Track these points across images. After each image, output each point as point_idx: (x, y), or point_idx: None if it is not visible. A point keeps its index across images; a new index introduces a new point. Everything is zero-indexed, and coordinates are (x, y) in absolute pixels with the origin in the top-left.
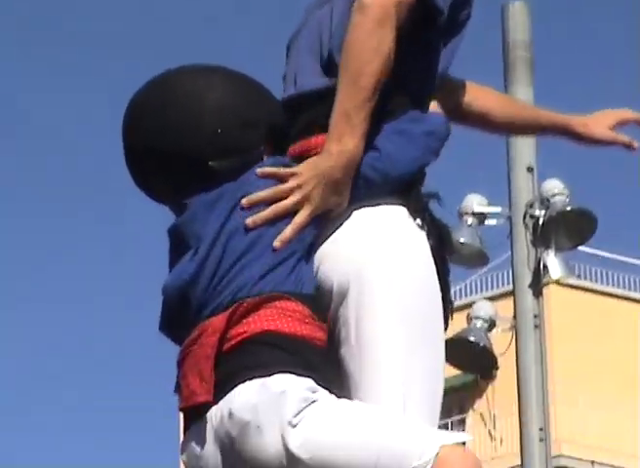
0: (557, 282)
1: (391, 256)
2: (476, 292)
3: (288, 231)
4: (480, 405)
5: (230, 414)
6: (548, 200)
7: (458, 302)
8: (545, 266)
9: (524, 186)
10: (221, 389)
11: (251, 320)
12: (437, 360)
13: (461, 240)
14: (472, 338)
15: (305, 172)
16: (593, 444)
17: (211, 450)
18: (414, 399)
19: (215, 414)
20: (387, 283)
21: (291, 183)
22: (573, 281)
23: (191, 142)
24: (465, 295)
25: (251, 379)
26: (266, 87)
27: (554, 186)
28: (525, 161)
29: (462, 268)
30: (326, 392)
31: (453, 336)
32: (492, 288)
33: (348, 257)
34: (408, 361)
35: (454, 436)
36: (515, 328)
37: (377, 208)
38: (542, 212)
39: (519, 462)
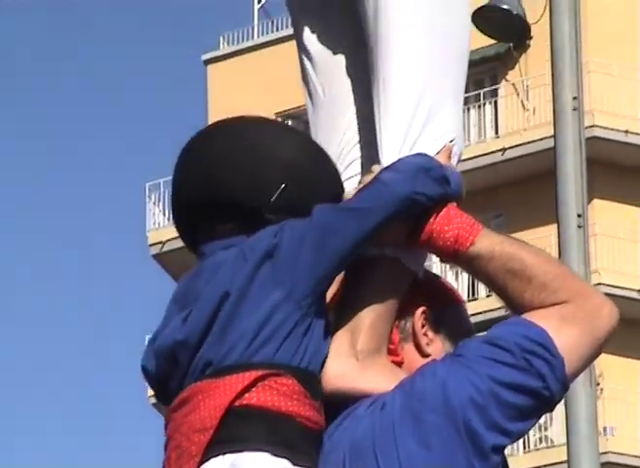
0: None
1: None
2: None
3: None
4: (513, 75)
5: None
6: None
7: None
8: None
9: None
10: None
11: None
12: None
13: None
14: (505, 6)
15: None
16: (627, 113)
17: None
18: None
19: None
20: None
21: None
22: None
23: (256, 192)
24: None
25: (223, 454)
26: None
27: None
28: None
29: None
30: None
31: (485, 4)
32: None
33: None
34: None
35: None
36: None
37: None
38: None
39: (552, 133)
